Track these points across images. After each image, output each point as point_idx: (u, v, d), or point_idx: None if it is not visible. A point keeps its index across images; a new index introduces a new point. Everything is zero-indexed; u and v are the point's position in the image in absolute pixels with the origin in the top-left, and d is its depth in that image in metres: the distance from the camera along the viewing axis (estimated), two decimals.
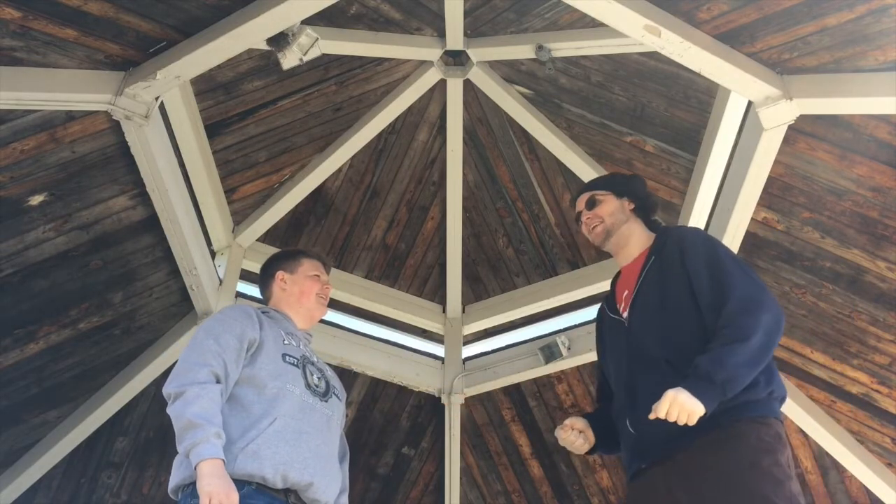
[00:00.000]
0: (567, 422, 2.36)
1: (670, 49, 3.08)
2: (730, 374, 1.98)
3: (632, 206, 2.53)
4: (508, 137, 4.75)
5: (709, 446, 2.02)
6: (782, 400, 2.15)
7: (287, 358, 2.32)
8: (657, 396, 2.05)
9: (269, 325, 2.39)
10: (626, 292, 2.40)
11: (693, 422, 1.96)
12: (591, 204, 2.56)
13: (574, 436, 2.34)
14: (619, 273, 2.55)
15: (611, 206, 2.53)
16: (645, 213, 2.55)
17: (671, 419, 1.96)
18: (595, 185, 2.66)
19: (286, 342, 2.38)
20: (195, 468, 1.96)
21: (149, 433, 4.37)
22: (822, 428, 4.10)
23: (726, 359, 1.99)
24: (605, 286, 4.82)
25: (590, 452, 2.41)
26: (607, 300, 2.52)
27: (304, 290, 2.59)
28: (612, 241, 2.51)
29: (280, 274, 2.64)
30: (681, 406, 1.95)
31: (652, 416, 1.99)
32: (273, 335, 2.36)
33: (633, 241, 2.48)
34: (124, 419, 4.28)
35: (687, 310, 2.19)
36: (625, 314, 2.35)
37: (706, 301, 2.16)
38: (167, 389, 2.11)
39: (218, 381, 2.12)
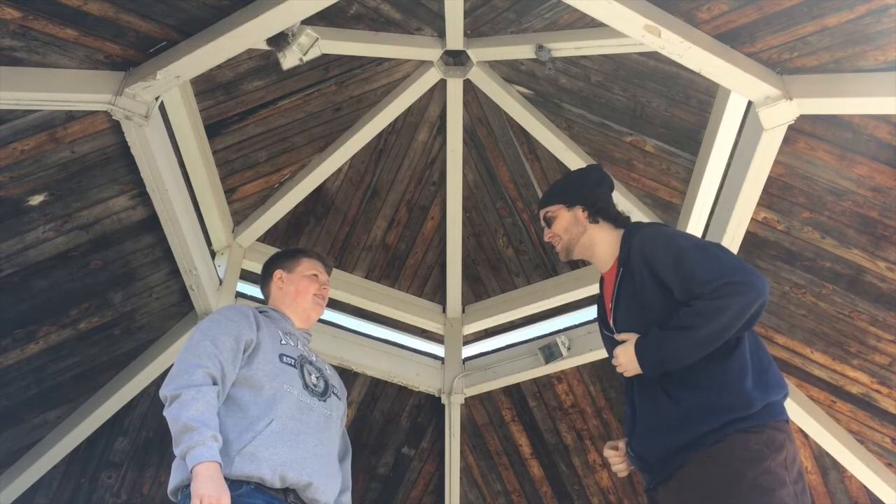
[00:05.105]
0: (620, 443, 2.37)
1: (670, 49, 3.08)
2: (665, 356, 2.11)
3: (585, 213, 2.43)
4: (508, 137, 4.75)
5: (698, 463, 2.02)
6: (782, 399, 2.12)
7: (284, 358, 2.32)
8: (652, 419, 2.13)
9: (267, 324, 2.39)
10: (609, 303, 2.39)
11: (627, 375, 2.21)
12: (548, 222, 2.50)
13: (620, 459, 2.35)
14: (602, 277, 2.51)
15: (564, 221, 2.45)
16: (603, 214, 2.44)
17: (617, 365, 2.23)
18: (546, 199, 2.54)
19: (284, 342, 2.38)
20: (191, 471, 1.96)
21: (149, 433, 4.37)
22: (822, 428, 4.09)
23: (666, 343, 2.10)
24: None
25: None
26: (598, 305, 2.50)
27: (300, 290, 2.59)
28: (575, 254, 2.45)
29: (278, 273, 2.64)
30: (619, 361, 2.21)
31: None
32: (270, 335, 2.36)
33: (600, 247, 2.41)
34: (124, 419, 4.28)
35: (665, 317, 2.16)
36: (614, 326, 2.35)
37: (682, 298, 2.13)
38: (163, 392, 2.11)
39: (214, 383, 2.12)
